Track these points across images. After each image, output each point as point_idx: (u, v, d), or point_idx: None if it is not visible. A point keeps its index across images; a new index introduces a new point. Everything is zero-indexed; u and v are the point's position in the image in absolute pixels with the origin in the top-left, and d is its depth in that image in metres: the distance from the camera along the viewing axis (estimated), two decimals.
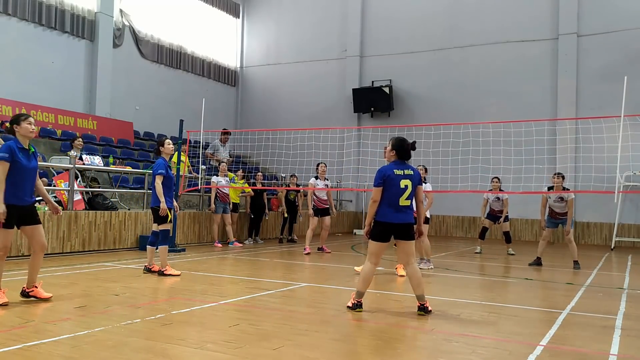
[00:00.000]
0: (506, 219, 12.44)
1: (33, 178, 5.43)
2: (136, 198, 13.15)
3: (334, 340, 4.45)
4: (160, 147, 7.79)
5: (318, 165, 11.75)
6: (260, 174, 14.23)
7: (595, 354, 4.20)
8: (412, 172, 5.45)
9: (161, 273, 7.50)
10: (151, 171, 8.72)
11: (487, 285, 7.81)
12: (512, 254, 12.27)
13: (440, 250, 13.16)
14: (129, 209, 11.67)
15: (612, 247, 15.20)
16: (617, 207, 14.93)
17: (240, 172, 13.37)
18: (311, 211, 11.55)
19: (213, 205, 12.32)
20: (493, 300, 6.35)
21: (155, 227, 7.75)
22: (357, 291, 5.53)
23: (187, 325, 4.78)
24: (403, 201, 5.38)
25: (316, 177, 11.58)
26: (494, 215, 12.68)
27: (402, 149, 5.50)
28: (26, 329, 4.36)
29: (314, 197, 11.58)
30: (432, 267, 9.36)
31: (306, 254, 11.05)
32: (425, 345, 4.37)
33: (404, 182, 5.36)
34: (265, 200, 13.69)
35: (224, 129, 14.68)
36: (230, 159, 14.57)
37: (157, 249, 7.69)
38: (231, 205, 12.79)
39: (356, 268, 8.50)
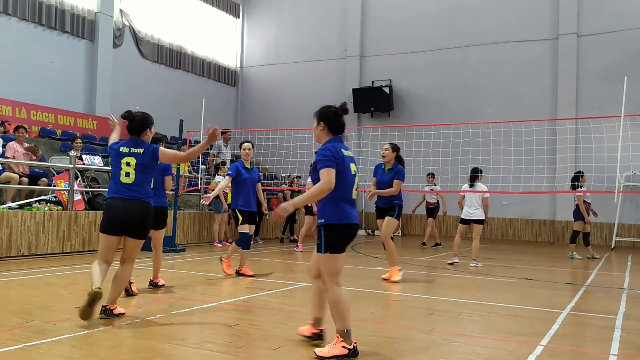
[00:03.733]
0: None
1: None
2: None
3: None
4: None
5: None
6: (260, 174, 14.22)
7: (595, 354, 4.19)
8: (352, 154, 4.11)
9: (238, 273, 7.67)
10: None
11: (487, 285, 7.81)
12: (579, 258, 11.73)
13: (440, 250, 13.16)
14: None
15: (612, 247, 15.20)
16: (617, 207, 14.92)
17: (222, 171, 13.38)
18: None
19: (226, 206, 12.22)
20: (493, 300, 6.35)
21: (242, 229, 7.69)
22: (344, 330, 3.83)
23: (187, 325, 4.78)
24: (354, 193, 4.05)
25: None
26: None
27: (334, 120, 4.00)
28: (26, 329, 4.36)
29: None
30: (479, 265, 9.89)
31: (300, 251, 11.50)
32: (425, 345, 4.37)
33: (353, 167, 4.01)
34: (266, 201, 13.70)
35: (225, 129, 14.65)
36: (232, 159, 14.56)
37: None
38: None
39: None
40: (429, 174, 13.82)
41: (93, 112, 16.41)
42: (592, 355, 4.18)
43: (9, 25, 14.46)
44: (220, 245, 12.25)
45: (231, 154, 14.60)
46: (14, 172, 9.90)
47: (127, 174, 4.83)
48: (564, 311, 5.75)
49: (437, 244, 13.79)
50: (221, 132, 14.39)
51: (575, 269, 10.14)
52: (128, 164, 4.84)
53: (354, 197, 4.03)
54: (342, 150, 3.93)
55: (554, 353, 4.14)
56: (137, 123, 4.98)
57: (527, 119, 14.60)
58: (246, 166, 7.69)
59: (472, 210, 10.00)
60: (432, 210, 13.96)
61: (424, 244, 13.94)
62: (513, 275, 8.68)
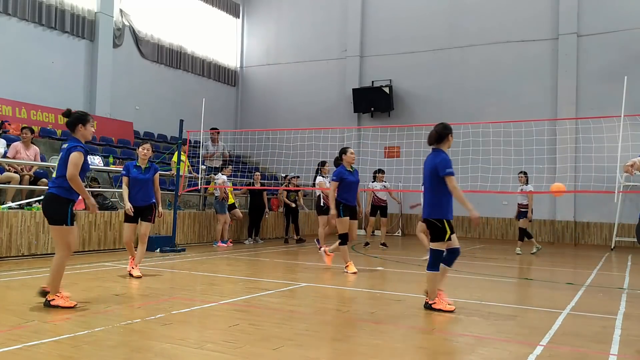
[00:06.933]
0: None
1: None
2: None
3: (334, 340, 4.45)
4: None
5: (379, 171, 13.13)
6: (258, 173, 14.24)
7: (595, 354, 4.19)
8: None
9: (428, 306, 5.57)
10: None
11: (487, 285, 7.81)
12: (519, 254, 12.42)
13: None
14: None
15: (612, 247, 15.19)
16: (617, 207, 14.91)
17: (226, 171, 13.37)
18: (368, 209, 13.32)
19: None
20: (493, 300, 6.35)
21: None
22: None
23: (187, 325, 4.78)
24: None
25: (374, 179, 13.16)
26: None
27: None
28: (26, 329, 4.36)
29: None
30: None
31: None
32: (425, 345, 4.37)
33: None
34: (266, 200, 13.72)
35: (212, 128, 14.58)
36: (226, 155, 14.48)
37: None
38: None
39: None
40: (380, 171, 13.18)
41: (93, 112, 16.38)
42: (592, 355, 4.18)
43: (9, 25, 14.46)
44: (224, 245, 12.21)
45: (222, 153, 14.45)
46: (17, 172, 9.88)
47: None
48: (564, 311, 5.75)
49: (366, 243, 13.25)
50: (209, 132, 14.33)
51: (575, 268, 10.14)
52: None
53: None
54: None
55: (554, 353, 4.14)
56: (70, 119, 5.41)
57: (527, 119, 14.59)
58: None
59: None
60: (382, 208, 13.34)
61: (383, 244, 13.08)
62: (513, 275, 8.68)
